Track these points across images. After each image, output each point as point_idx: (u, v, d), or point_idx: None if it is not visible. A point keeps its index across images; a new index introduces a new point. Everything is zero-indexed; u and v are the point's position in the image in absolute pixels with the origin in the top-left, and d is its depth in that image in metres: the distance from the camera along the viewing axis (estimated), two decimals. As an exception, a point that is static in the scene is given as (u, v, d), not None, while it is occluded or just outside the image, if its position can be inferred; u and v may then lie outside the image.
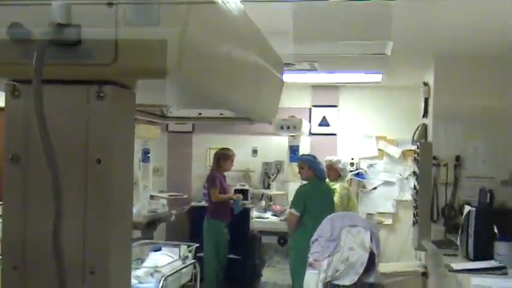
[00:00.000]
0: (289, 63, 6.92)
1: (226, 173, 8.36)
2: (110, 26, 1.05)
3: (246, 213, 8.49)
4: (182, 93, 1.34)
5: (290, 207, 6.97)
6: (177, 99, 1.53)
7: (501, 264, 4.77)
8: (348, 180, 8.28)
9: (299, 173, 7.21)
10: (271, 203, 8.92)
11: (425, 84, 6.91)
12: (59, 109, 1.11)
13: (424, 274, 6.54)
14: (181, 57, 1.08)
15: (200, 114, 2.12)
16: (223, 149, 8.40)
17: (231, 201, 8.24)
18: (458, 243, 5.53)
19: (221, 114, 2.09)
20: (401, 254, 8.35)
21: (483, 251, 5.07)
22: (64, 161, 1.07)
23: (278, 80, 2.19)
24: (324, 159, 7.81)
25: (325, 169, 7.23)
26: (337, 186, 7.62)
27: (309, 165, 7.04)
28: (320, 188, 7.01)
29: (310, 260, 5.92)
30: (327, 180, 7.56)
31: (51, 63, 1.05)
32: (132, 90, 1.19)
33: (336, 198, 7.34)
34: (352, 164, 8.89)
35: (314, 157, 7.15)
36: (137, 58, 1.06)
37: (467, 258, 5.22)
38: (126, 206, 1.20)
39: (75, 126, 1.11)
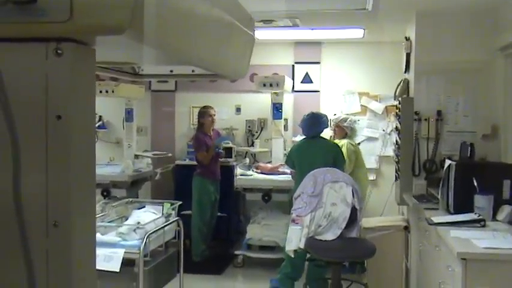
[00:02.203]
0: (269, 20, 6.90)
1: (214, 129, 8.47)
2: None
3: (230, 170, 8.53)
4: (145, 49, 1.36)
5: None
6: (141, 56, 1.55)
7: (480, 217, 4.83)
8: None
9: None
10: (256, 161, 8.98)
11: (407, 39, 6.91)
12: (18, 66, 1.13)
13: (406, 228, 6.62)
14: (138, 13, 1.09)
15: (171, 71, 2.14)
16: (202, 107, 8.45)
17: (217, 150, 8.39)
18: (439, 197, 5.59)
19: (192, 71, 2.10)
20: (384, 209, 8.44)
21: (463, 204, 5.12)
22: (24, 117, 1.10)
23: (248, 36, 2.20)
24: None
25: (311, 125, 7.11)
26: (343, 143, 7.66)
27: (299, 123, 7.20)
28: (308, 145, 7.02)
29: (293, 215, 5.99)
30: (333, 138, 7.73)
31: (8, 21, 1.07)
32: (91, 47, 1.21)
33: (345, 156, 7.36)
34: (335, 121, 8.95)
35: (309, 115, 7.14)
36: (93, 15, 1.07)
37: (448, 211, 5.28)
38: (88, 160, 1.23)
39: (35, 83, 1.13)
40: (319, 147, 7.02)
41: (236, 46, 2.03)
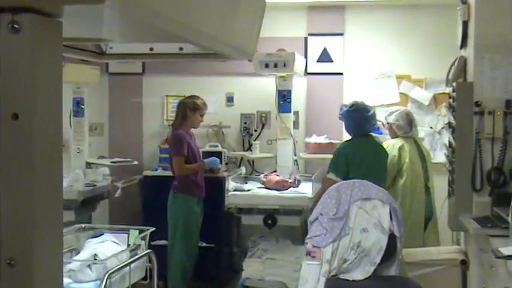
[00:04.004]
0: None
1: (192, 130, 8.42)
2: None
3: (219, 184, 8.52)
4: (124, 21, 1.36)
5: (328, 171, 7.10)
6: (118, 30, 1.55)
7: None
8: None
9: None
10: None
11: (464, 2, 6.92)
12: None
13: (464, 263, 6.63)
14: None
15: (152, 49, 2.14)
16: (191, 97, 8.39)
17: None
18: (509, 219, 5.61)
19: (180, 49, 2.11)
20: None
21: (543, 230, 5.15)
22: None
23: (258, -1, 2.21)
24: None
25: (364, 121, 7.18)
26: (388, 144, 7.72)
27: (340, 117, 7.28)
28: (361, 146, 7.15)
29: (309, 246, 5.98)
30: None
31: None
32: (58, 20, 1.21)
33: None
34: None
35: (352, 105, 7.20)
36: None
37: (522, 239, 5.31)
38: (54, 175, 1.23)
39: (-18, 69, 1.14)
40: (376, 148, 7.30)
41: (244, 13, 2.02)
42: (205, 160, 8.38)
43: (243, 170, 9.00)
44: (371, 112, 7.21)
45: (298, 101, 9.01)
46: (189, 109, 8.23)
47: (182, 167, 8.10)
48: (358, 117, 7.13)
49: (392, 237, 5.83)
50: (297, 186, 8.18)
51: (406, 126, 7.90)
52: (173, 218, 8.13)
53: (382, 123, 8.28)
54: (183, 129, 8.22)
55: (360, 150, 7.16)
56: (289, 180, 8.19)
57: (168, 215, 8.11)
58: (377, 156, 7.21)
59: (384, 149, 7.38)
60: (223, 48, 1.91)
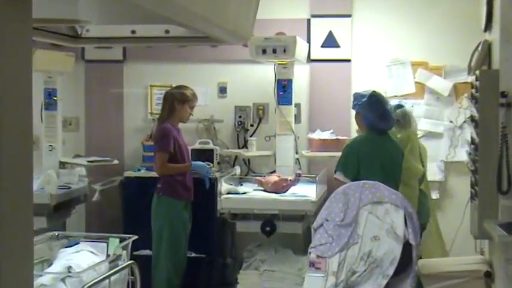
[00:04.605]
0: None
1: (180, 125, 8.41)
2: None
3: (211, 186, 8.50)
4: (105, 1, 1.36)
5: (335, 171, 7.03)
6: (95, 10, 1.54)
7: None
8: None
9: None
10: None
11: (488, -22, 6.94)
12: None
13: (489, 274, 6.64)
14: None
15: (134, 32, 2.13)
16: (179, 87, 8.37)
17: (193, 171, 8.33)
18: (540, 226, 5.63)
19: (166, 32, 2.11)
20: (453, 245, 8.46)
21: None
22: None
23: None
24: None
25: (385, 116, 7.10)
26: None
27: (356, 108, 7.13)
28: (376, 144, 7.07)
29: (312, 256, 6.00)
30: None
31: None
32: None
33: None
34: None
35: (372, 95, 7.14)
36: None
37: (554, 248, 5.32)
38: (23, 176, 1.22)
39: None
40: (392, 147, 7.20)
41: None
42: (193, 162, 8.35)
43: (237, 170, 8.99)
44: (390, 106, 7.17)
45: (300, 91, 9.01)
46: (177, 101, 8.19)
47: (165, 165, 8.09)
48: (380, 110, 7.04)
49: (407, 246, 5.86)
50: (297, 183, 8.18)
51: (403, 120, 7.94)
52: (158, 225, 8.12)
53: None
54: (170, 123, 8.19)
55: (374, 148, 7.04)
56: (289, 178, 8.15)
57: (152, 221, 8.11)
58: (393, 157, 7.11)
59: (400, 149, 7.28)
60: (215, 31, 1.90)
